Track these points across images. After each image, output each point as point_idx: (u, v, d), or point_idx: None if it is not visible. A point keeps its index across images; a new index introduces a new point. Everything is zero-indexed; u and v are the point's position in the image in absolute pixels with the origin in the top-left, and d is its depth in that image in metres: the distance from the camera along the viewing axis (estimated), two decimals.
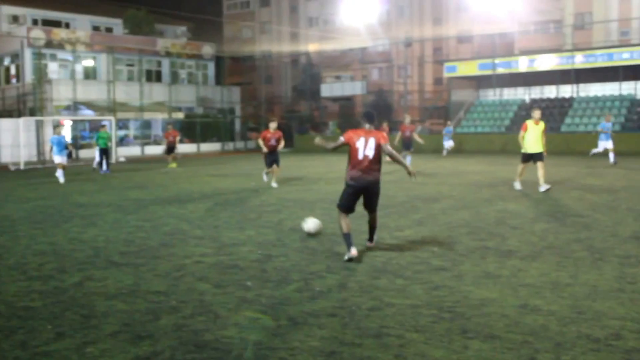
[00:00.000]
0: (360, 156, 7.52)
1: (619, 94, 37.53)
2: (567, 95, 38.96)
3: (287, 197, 14.13)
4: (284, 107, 57.86)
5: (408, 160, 22.03)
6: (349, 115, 53.89)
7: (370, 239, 8.17)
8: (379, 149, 7.56)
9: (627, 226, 9.64)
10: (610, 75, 37.70)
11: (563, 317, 5.18)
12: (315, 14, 63.90)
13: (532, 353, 4.41)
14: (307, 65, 59.08)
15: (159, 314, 5.42)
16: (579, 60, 38.50)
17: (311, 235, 8.91)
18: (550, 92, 40.61)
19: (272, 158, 16.17)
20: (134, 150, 40.49)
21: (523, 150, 14.24)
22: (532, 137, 14.03)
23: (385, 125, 28.78)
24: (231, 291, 6.11)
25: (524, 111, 38.78)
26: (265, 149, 16.00)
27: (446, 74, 44.45)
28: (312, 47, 59.03)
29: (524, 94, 41.29)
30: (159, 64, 46.65)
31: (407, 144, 22.63)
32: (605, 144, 22.34)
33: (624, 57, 37.27)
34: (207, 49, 49.77)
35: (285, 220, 10.77)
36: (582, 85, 39.00)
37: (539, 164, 14.05)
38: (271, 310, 5.46)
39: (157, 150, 35.87)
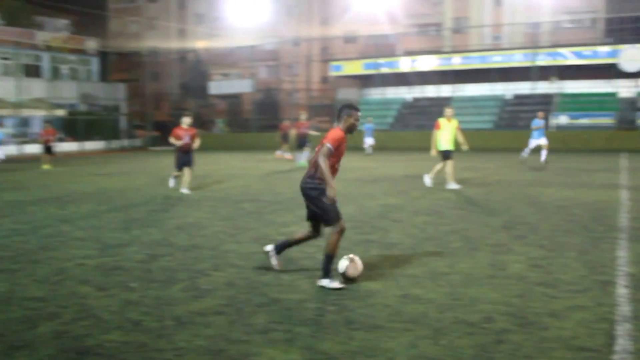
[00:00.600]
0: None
1: (491, 94, 39.58)
2: (446, 94, 40.61)
3: (174, 195, 13.92)
4: (171, 105, 56.73)
5: (305, 155, 22.33)
6: (237, 112, 53.66)
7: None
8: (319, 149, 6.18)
9: (498, 217, 10.26)
10: (484, 76, 39.73)
11: (441, 304, 5.45)
12: (203, 10, 62.99)
13: (413, 340, 4.61)
14: (195, 62, 58.21)
15: (36, 321, 5.18)
16: (457, 62, 40.34)
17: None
18: (430, 91, 42.17)
19: (184, 158, 14.32)
20: (11, 149, 38.39)
21: (440, 149, 14.38)
22: (446, 135, 14.31)
23: (287, 123, 28.93)
24: (115, 293, 5.97)
25: (406, 109, 40.12)
26: (178, 144, 14.17)
27: (332, 73, 45.21)
28: (200, 44, 58.22)
29: (406, 93, 42.66)
30: (38, 58, 44.49)
31: (302, 141, 22.83)
32: (537, 141, 21.57)
33: (496, 60, 39.45)
34: (91, 44, 48.01)
35: (171, 219, 10.62)
36: (459, 85, 40.80)
37: (449, 162, 14.49)
38: (156, 311, 5.39)
39: (36, 149, 34.22)
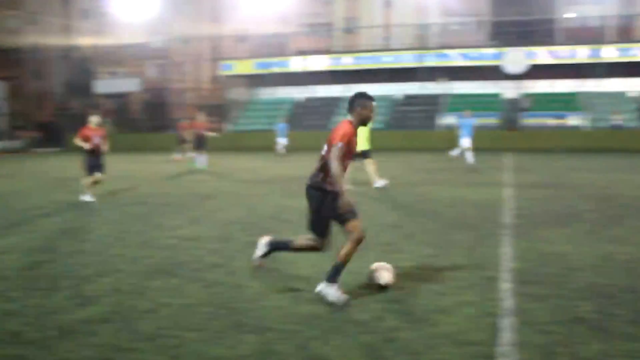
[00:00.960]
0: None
1: (382, 95, 40.45)
2: (337, 94, 41.10)
3: (57, 199, 13.31)
4: (54, 104, 54.29)
5: (204, 159, 21.54)
6: (124, 112, 52.08)
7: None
8: (329, 149, 5.55)
9: (388, 216, 10.48)
10: (375, 77, 40.54)
11: (332, 304, 5.47)
12: (89, 6, 60.61)
13: (304, 341, 4.61)
14: (80, 60, 55.94)
15: None
16: (348, 62, 40.92)
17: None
18: (322, 91, 42.54)
19: (95, 162, 12.67)
20: None
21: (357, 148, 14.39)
22: (361, 134, 14.33)
23: (185, 123, 28.13)
24: None
25: (300, 109, 40.34)
26: (86, 146, 12.61)
27: (222, 72, 44.77)
28: (85, 41, 56.00)
29: (298, 93, 42.85)
30: None
31: (200, 143, 21.91)
32: (466, 140, 21.01)
33: (387, 60, 40.35)
34: None
35: (55, 223, 10.14)
36: (350, 86, 41.38)
37: (368, 161, 14.56)
38: (38, 321, 5.11)
39: None
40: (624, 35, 40.47)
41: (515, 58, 36.56)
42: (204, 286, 6.10)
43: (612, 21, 40.80)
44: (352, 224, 5.59)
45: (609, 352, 4.45)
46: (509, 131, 34.53)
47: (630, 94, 36.36)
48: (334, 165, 5.34)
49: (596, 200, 12.26)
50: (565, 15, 44.04)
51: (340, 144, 5.38)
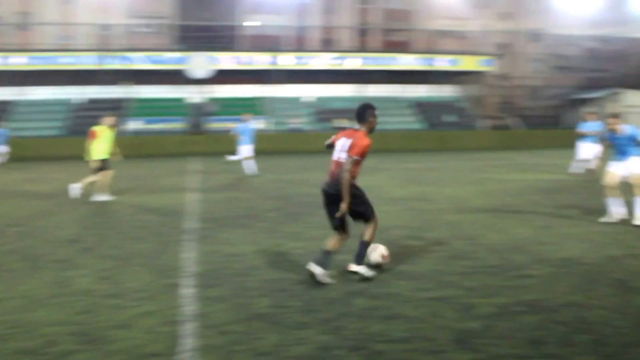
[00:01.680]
0: (335, 157, 6.47)
1: (60, 98, 38.25)
2: (7, 98, 37.73)
3: None
4: None
5: None
6: None
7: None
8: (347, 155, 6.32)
9: (65, 230, 9.85)
10: (52, 79, 38.16)
11: None
12: None
13: None
14: None
15: None
16: (20, 62, 37.94)
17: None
18: None
19: None
20: None
21: (95, 158, 13.34)
22: (104, 144, 13.42)
23: None
24: None
25: None
26: None
27: None
28: None
29: None
30: None
31: None
32: (247, 148, 19.24)
33: (66, 62, 38.27)
34: None
35: None
36: (23, 88, 38.29)
37: (107, 172, 13.51)
38: None
39: None
40: (300, 44, 43.89)
41: (200, 63, 37.32)
42: None
43: (290, 31, 43.94)
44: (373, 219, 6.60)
45: (284, 342, 4.75)
46: (194, 135, 35.13)
47: (304, 99, 39.52)
48: (346, 176, 6.11)
49: (276, 199, 13.05)
50: (247, 23, 46.18)
51: (357, 158, 6.18)
